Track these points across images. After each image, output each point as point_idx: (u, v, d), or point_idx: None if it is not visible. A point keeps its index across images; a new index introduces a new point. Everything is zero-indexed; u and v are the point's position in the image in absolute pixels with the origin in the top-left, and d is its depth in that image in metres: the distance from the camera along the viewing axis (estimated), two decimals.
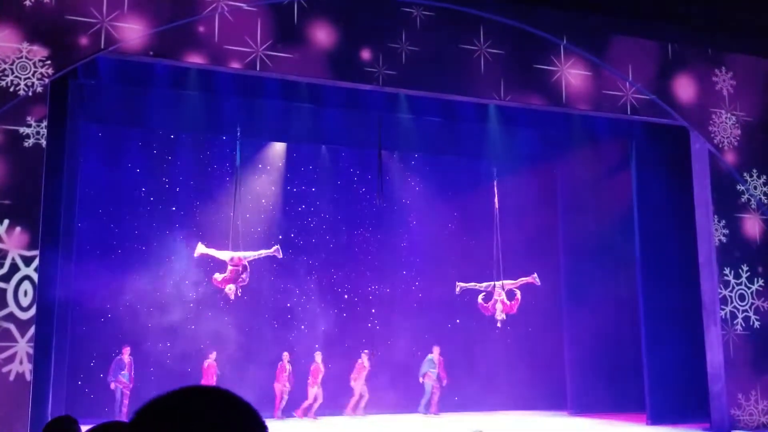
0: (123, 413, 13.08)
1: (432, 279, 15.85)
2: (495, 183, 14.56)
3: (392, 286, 15.82)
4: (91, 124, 13.38)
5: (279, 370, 13.92)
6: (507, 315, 13.45)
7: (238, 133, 12.51)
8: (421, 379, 14.72)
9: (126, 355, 13.28)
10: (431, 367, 14.69)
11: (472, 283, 13.64)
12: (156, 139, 14.34)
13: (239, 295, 12.18)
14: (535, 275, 13.67)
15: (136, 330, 13.94)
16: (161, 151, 14.53)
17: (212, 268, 13.72)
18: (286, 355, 14.02)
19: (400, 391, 14.97)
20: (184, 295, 14.36)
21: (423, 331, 15.51)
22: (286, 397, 13.91)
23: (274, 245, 12.82)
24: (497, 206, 13.76)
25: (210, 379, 13.37)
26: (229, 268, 12.17)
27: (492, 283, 13.62)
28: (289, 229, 15.02)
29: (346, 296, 15.63)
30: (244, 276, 12.11)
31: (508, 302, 13.40)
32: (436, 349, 14.81)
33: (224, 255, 12.36)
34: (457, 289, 13.81)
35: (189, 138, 14.51)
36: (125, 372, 13.18)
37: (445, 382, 14.79)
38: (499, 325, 13.52)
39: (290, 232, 15.20)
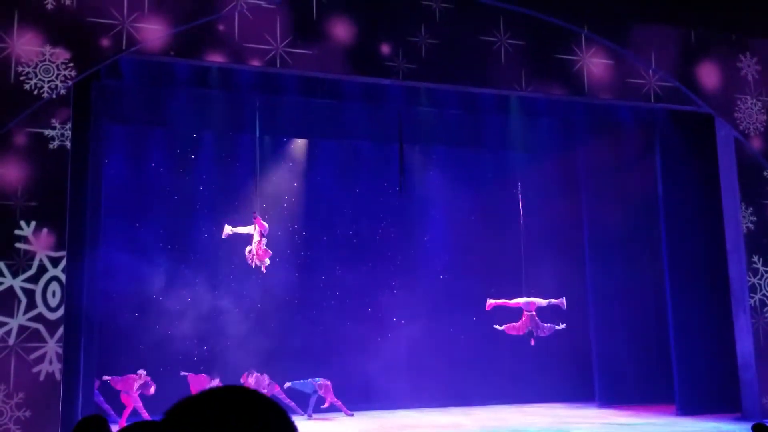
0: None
1: (456, 272, 15.79)
2: (518, 174, 14.47)
3: (415, 280, 15.79)
4: (114, 125, 13.49)
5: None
6: (537, 334, 13.17)
7: (257, 131, 12.53)
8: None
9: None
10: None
11: (503, 300, 13.43)
12: (179, 138, 14.43)
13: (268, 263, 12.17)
14: (563, 300, 13.36)
15: (162, 328, 14.04)
16: (184, 150, 14.63)
17: (235, 265, 13.80)
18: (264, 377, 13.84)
19: (420, 384, 14.93)
20: (208, 292, 14.45)
21: (447, 324, 15.46)
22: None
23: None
24: (521, 197, 13.62)
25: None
26: (255, 239, 12.23)
27: (524, 299, 13.30)
28: (312, 224, 15.05)
29: (369, 291, 15.63)
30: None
31: (538, 321, 13.20)
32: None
33: (249, 229, 12.44)
34: (488, 307, 13.38)
35: (211, 136, 14.59)
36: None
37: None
38: (532, 342, 13.24)
39: (313, 228, 15.24)
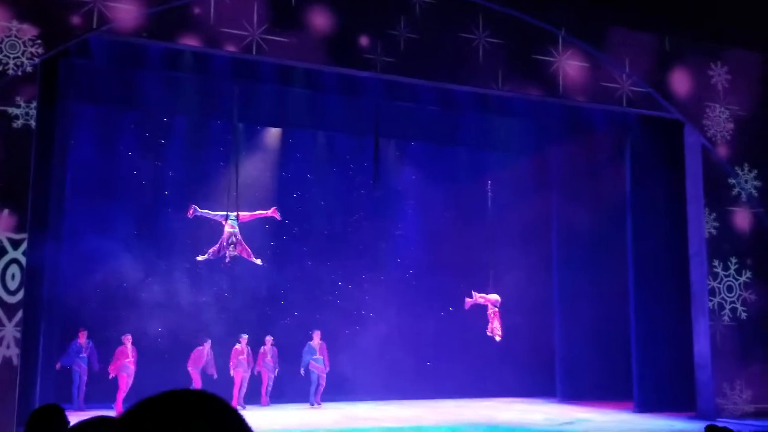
0: (81, 398, 12.81)
1: (426, 267, 15.86)
2: (491, 172, 14.55)
3: (386, 274, 15.82)
4: (82, 105, 13.09)
5: (260, 355, 13.80)
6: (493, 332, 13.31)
7: (236, 118, 12.29)
8: (302, 371, 13.93)
9: (83, 338, 12.96)
10: (312, 354, 13.96)
11: (481, 295, 13.47)
12: (149, 122, 14.07)
13: (228, 261, 11.92)
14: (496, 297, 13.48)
15: (127, 313, 13.78)
16: (154, 133, 14.28)
17: (204, 253, 13.58)
18: (269, 339, 13.90)
19: (388, 377, 15.00)
20: (176, 278, 14.21)
21: (416, 318, 15.52)
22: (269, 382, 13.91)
23: (271, 208, 12.49)
24: (490, 195, 13.70)
25: (201, 366, 13.27)
26: (226, 230, 11.99)
27: (494, 295, 13.45)
28: (284, 215, 14.83)
29: (339, 283, 15.58)
30: (234, 249, 11.83)
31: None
32: (316, 334, 14.09)
33: (219, 215, 12.12)
34: (467, 305, 13.43)
35: (183, 121, 14.27)
36: (83, 355, 12.89)
37: (327, 369, 14.02)
38: (498, 339, 13.36)
39: (285, 219, 15.03)
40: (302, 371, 13.92)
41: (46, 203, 10.96)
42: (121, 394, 12.61)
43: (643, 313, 13.60)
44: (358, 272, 15.57)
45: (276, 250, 14.96)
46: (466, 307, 13.48)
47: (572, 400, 15.03)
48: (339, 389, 14.55)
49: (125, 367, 12.62)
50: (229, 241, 11.89)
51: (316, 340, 14.09)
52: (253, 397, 13.74)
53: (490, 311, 13.43)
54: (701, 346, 13.09)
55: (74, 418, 2.98)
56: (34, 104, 10.19)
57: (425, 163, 15.86)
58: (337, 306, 15.27)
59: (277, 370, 13.89)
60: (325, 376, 14.00)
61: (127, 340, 12.81)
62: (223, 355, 13.53)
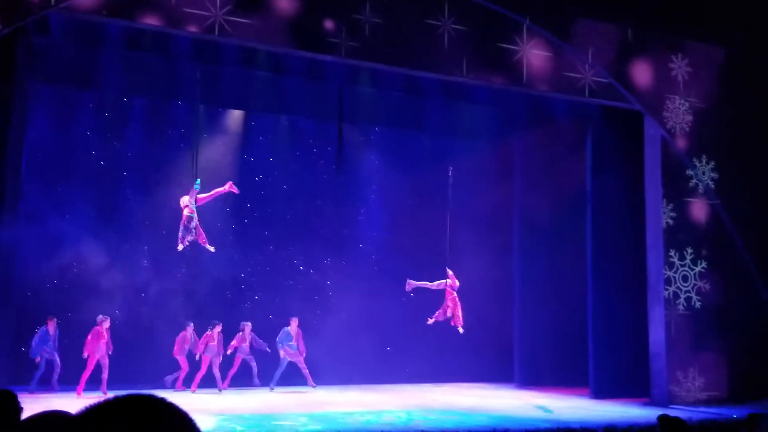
0: (55, 384, 12.76)
1: (388, 252, 15.89)
2: (453, 159, 14.60)
3: (348, 259, 15.82)
4: (40, 85, 12.83)
5: (237, 340, 13.79)
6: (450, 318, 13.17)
7: (198, 100, 12.16)
8: (281, 353, 14.00)
9: (51, 327, 12.82)
10: (288, 341, 14.05)
11: (424, 282, 13.49)
12: (108, 103, 13.80)
13: (187, 244, 11.85)
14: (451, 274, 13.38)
15: (83, 296, 13.61)
16: (114, 114, 14.03)
17: (165, 236, 13.48)
18: (248, 325, 13.93)
19: (350, 362, 15.06)
20: (135, 261, 14.08)
21: (377, 303, 15.56)
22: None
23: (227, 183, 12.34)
24: (451, 181, 13.76)
25: (188, 348, 13.28)
26: (185, 214, 11.89)
27: (444, 281, 13.32)
28: (246, 199, 14.79)
29: (301, 268, 15.56)
30: (193, 233, 11.76)
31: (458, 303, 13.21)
32: (293, 321, 14.15)
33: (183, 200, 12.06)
34: (408, 287, 13.36)
35: (143, 102, 14.05)
36: (51, 344, 12.77)
37: (303, 355, 14.09)
38: (461, 330, 13.30)
39: (246, 202, 14.98)
40: (281, 354, 13.97)
41: (2, 185, 10.77)
42: (87, 374, 12.41)
43: (600, 301, 13.82)
44: (321, 257, 15.55)
45: (237, 234, 14.87)
46: (408, 288, 13.37)
47: (530, 385, 15.25)
48: (301, 373, 14.57)
49: (98, 348, 12.42)
50: (191, 225, 11.81)
51: (294, 326, 14.15)
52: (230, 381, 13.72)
53: (449, 297, 13.31)
54: (656, 334, 13.35)
55: (31, 402, 2.96)
56: None
57: (388, 149, 15.85)
58: (298, 291, 15.24)
59: (222, 355, 13.74)
60: (302, 359, 14.04)
61: (103, 321, 12.58)
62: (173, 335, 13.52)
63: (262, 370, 14.01)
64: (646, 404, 12.98)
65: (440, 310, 13.22)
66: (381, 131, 15.84)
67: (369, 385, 14.94)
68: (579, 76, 13.00)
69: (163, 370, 13.59)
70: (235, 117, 15.16)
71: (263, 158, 15.18)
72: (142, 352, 13.50)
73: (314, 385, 14.03)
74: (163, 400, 1.18)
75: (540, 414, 11.82)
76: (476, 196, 15.75)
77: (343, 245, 15.79)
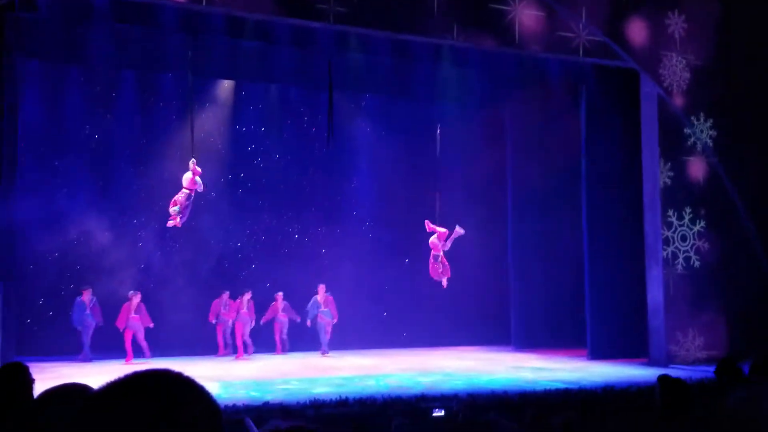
0: (88, 354, 13.19)
1: (381, 220, 15.94)
2: (445, 124, 14.51)
3: (342, 227, 15.89)
4: (30, 60, 12.87)
5: (271, 310, 14.39)
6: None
7: (189, 71, 12.14)
8: (309, 323, 14.51)
9: (86, 296, 13.26)
10: (318, 308, 14.50)
11: (442, 229, 13.45)
12: (99, 77, 13.86)
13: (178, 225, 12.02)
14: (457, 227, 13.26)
15: (83, 267, 13.83)
16: (105, 88, 14.10)
17: (160, 207, 13.58)
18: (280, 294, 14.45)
19: (346, 328, 15.22)
20: (131, 233, 14.24)
21: (372, 270, 15.66)
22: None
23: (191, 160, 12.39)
24: (439, 149, 13.70)
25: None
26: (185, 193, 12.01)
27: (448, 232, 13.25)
28: (238, 168, 14.84)
29: (296, 236, 15.65)
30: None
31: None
32: (321, 288, 14.60)
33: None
34: (428, 228, 13.25)
35: (133, 75, 14.08)
36: (87, 312, 13.20)
37: (335, 321, 14.59)
38: (445, 285, 13.30)
39: (239, 172, 15.04)
40: (309, 323, 14.51)
41: None
42: (128, 346, 13.08)
43: (597, 262, 13.78)
44: (314, 225, 15.64)
45: (232, 204, 14.98)
46: (429, 229, 13.30)
47: (527, 348, 15.31)
48: (298, 340, 14.77)
49: (130, 321, 13.09)
50: (186, 204, 11.95)
51: (321, 294, 14.58)
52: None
53: (440, 247, 13.16)
54: (654, 294, 13.31)
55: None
56: None
57: (379, 116, 15.79)
58: (293, 259, 15.36)
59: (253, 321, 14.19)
60: (330, 328, 14.53)
61: (134, 296, 13.21)
62: (174, 306, 13.70)
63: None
64: (644, 364, 12.99)
65: (438, 265, 13.23)
66: (371, 99, 15.77)
67: (366, 350, 15.09)
68: (573, 35, 12.81)
69: (164, 339, 13.81)
70: (225, 87, 15.15)
71: (255, 128, 15.20)
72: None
73: (327, 352, 14.44)
74: (180, 375, 1.19)
75: (538, 376, 11.90)
76: (469, 162, 15.69)
77: (336, 213, 15.86)
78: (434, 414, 9.31)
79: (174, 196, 11.92)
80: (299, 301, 14.69)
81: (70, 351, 12.83)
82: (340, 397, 8.84)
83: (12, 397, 3.26)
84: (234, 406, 8.15)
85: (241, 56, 13.03)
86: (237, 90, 15.16)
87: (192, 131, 12.09)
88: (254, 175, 15.25)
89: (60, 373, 10.77)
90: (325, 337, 14.61)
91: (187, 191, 11.87)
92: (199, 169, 12.04)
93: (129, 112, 14.16)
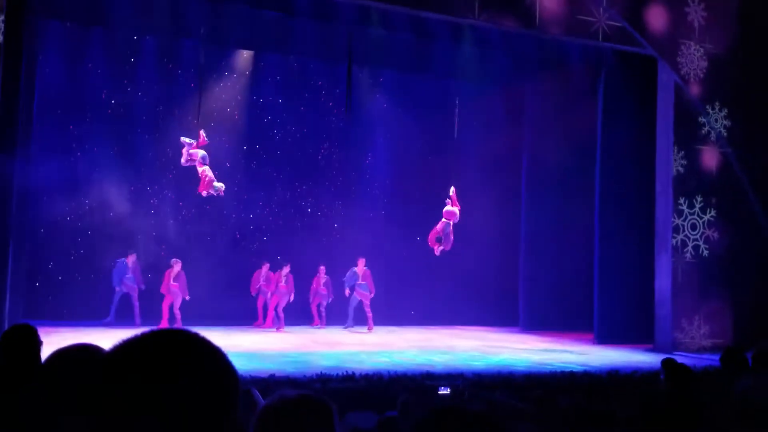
0: (137, 316, 13.44)
1: (396, 196, 15.96)
2: (463, 103, 14.51)
3: (356, 202, 15.91)
4: (51, 21, 12.83)
5: (315, 283, 14.58)
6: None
7: (207, 39, 12.16)
8: (347, 291, 14.60)
9: (131, 260, 13.48)
10: (355, 280, 14.56)
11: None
12: (119, 41, 13.83)
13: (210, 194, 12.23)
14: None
15: (94, 233, 13.86)
16: (124, 53, 14.09)
17: (175, 175, 13.63)
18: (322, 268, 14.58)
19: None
20: (144, 200, 14.27)
21: (385, 246, 15.70)
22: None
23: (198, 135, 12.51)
24: (457, 127, 13.70)
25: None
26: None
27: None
28: (254, 140, 14.83)
29: (309, 210, 15.68)
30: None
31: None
32: (360, 261, 14.62)
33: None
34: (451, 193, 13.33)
35: (152, 41, 14.06)
36: (130, 275, 13.39)
37: (372, 294, 14.64)
38: (437, 252, 13.27)
39: (255, 144, 15.04)
40: (347, 292, 14.59)
41: (14, 120, 10.85)
42: (165, 311, 13.32)
43: (607, 247, 13.82)
44: (328, 199, 15.66)
45: (246, 175, 14.99)
46: (452, 197, 13.32)
47: (534, 330, 15.36)
48: (308, 314, 14.81)
49: (169, 288, 13.34)
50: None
51: (361, 266, 14.62)
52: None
53: (448, 221, 13.16)
54: (662, 281, 13.35)
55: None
56: (1, 18, 9.99)
57: (397, 92, 15.77)
58: (305, 232, 15.40)
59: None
60: (368, 302, 14.56)
61: (175, 263, 13.41)
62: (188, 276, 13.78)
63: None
64: (649, 350, 13.04)
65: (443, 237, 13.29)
66: (390, 74, 15.73)
67: (375, 326, 15.18)
68: (593, 19, 12.79)
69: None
70: (244, 57, 15.13)
71: (272, 99, 15.19)
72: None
73: (372, 327, 14.50)
74: (195, 335, 1.18)
75: (544, 357, 11.95)
76: (485, 141, 15.68)
77: (351, 188, 15.87)
78: (440, 392, 9.36)
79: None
80: (307, 276, 14.70)
81: (77, 316, 12.87)
82: (346, 372, 8.87)
83: (21, 358, 3.27)
84: (240, 377, 8.18)
85: (261, 26, 13.01)
86: (255, 60, 15.14)
87: (199, 100, 12.11)
88: (270, 147, 15.25)
89: (65, 337, 10.81)
90: (352, 313, 14.67)
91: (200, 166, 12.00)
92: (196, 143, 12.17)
93: (147, 79, 14.14)
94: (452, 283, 15.47)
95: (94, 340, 2.26)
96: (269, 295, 14.08)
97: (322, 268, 14.62)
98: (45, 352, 2.49)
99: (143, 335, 1.17)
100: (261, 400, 4.44)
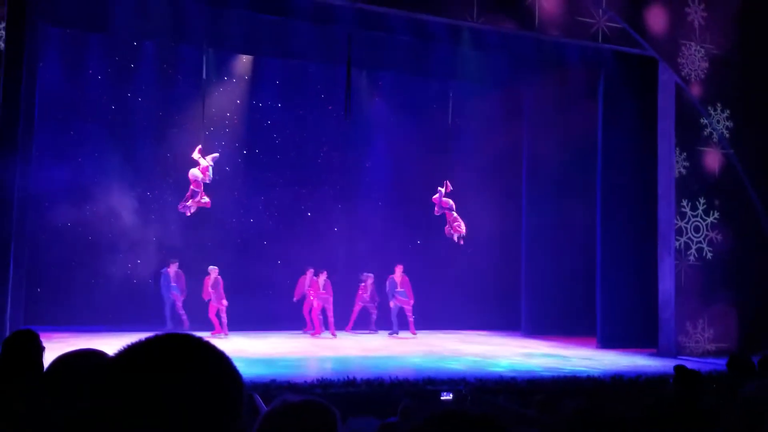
0: (184, 321, 13.48)
1: (395, 199, 15.92)
2: (463, 105, 14.49)
3: (355, 206, 15.88)
4: (51, 27, 12.84)
5: (361, 290, 14.71)
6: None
7: (207, 44, 12.16)
8: (391, 303, 14.72)
9: (172, 270, 13.51)
10: (395, 288, 14.68)
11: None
12: (119, 46, 13.86)
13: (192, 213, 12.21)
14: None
15: (95, 238, 13.83)
16: (124, 58, 14.10)
17: (175, 180, 13.60)
18: (371, 277, 14.70)
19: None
20: (145, 206, 14.25)
21: (384, 250, 15.65)
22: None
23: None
24: (461, 128, 13.69)
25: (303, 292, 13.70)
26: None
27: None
28: (254, 144, 14.82)
29: (309, 214, 15.65)
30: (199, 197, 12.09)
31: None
32: (398, 269, 14.71)
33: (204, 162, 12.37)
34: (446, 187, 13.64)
35: (153, 46, 14.07)
36: (174, 285, 13.46)
37: (412, 301, 14.67)
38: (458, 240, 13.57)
39: (255, 148, 15.03)
40: (391, 303, 14.73)
41: (15, 125, 10.84)
42: (212, 317, 13.42)
43: (609, 250, 13.75)
44: (328, 203, 15.64)
45: (246, 179, 14.98)
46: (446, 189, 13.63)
47: (536, 334, 15.30)
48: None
49: (210, 294, 13.39)
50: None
51: (398, 273, 14.67)
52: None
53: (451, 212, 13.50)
54: (666, 284, 13.28)
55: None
56: (2, 25, 10.00)
57: (397, 95, 15.76)
58: (305, 236, 15.37)
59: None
60: (410, 307, 14.61)
61: (212, 270, 13.47)
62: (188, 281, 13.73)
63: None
64: (653, 355, 12.96)
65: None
66: (389, 76, 15.72)
67: (378, 331, 15.13)
68: (592, 21, 12.77)
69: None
70: (243, 62, 15.13)
71: (271, 103, 15.18)
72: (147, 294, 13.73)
73: (415, 333, 14.60)
74: (200, 340, 1.17)
75: (546, 362, 11.90)
76: (484, 143, 15.65)
77: (350, 191, 15.84)
78: (442, 397, 9.29)
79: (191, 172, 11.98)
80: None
81: (78, 322, 12.82)
82: (347, 377, 8.82)
83: (23, 364, 3.26)
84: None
85: (261, 30, 13.00)
86: (255, 64, 15.14)
87: (203, 108, 12.07)
88: (269, 151, 15.24)
89: (67, 343, 10.77)
90: (396, 320, 14.73)
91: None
92: (205, 162, 12.18)
93: (147, 84, 14.14)
94: (453, 287, 15.42)
95: (96, 345, 2.23)
96: (313, 301, 14.10)
97: (371, 276, 14.74)
98: (47, 358, 2.46)
99: (148, 340, 1.16)
100: (263, 406, 4.39)
